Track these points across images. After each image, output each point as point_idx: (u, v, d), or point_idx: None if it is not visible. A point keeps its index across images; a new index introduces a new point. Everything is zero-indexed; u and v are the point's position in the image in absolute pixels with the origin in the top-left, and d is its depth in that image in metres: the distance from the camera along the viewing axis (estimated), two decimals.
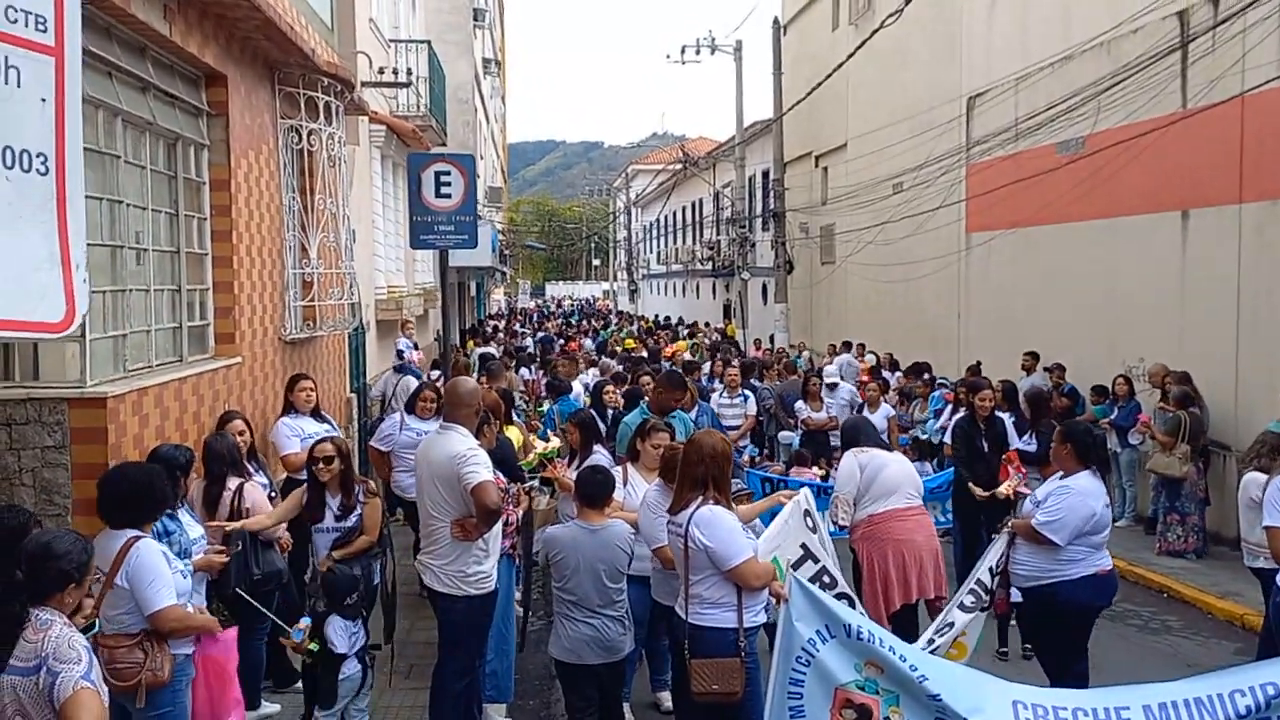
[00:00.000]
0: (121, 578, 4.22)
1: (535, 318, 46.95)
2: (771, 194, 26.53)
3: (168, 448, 5.53)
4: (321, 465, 6.15)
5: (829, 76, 19.82)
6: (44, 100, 2.90)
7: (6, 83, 2.72)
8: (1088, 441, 6.12)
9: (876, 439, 7.32)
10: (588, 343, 26.18)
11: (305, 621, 5.63)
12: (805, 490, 6.28)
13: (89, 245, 5.55)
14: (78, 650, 3.20)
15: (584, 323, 39.63)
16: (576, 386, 13.34)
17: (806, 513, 5.90)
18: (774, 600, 5.13)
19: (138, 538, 4.29)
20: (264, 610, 5.81)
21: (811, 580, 5.50)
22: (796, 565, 5.62)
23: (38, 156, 2.71)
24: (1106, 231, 13.84)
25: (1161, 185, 12.65)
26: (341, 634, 5.61)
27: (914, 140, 18.92)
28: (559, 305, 63.38)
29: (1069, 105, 14.19)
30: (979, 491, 8.43)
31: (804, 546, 5.72)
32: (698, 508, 4.97)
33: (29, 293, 2.63)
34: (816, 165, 25.92)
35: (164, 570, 4.31)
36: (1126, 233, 13.44)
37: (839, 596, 5.55)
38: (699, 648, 4.91)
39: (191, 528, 5.31)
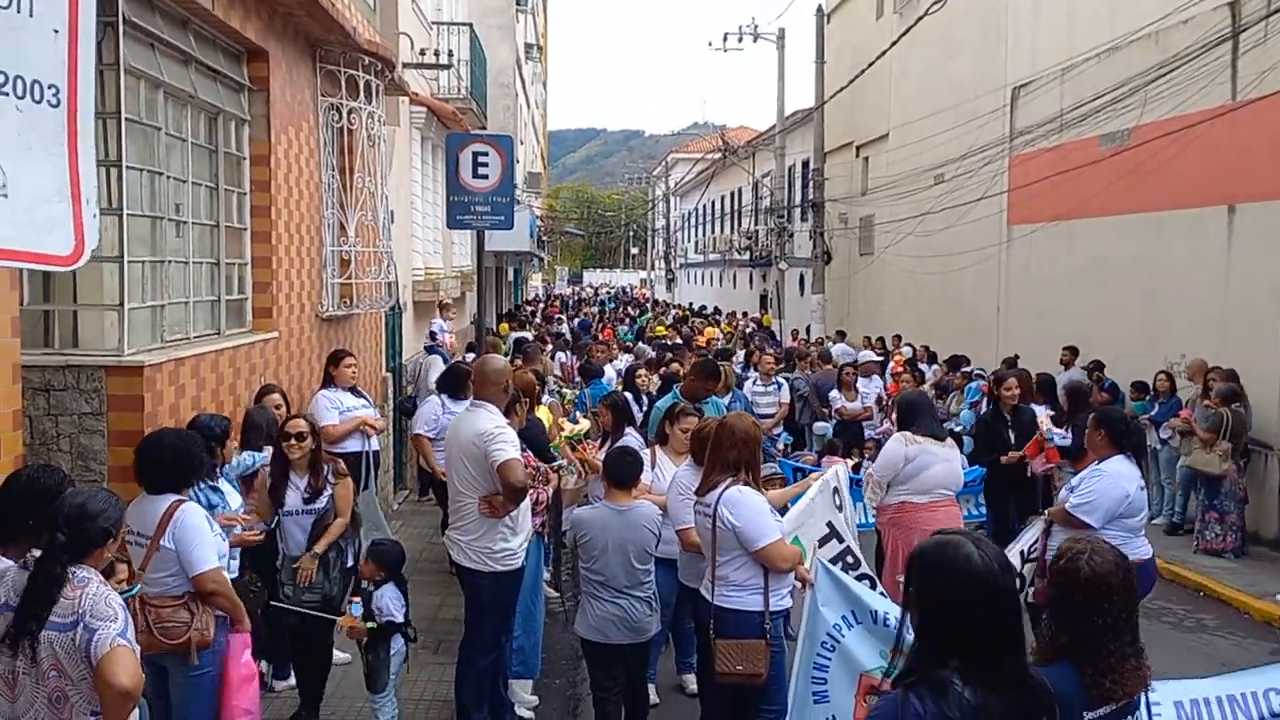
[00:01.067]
0: (168, 539, 4.27)
1: (571, 303, 47.02)
2: (811, 184, 26.36)
3: (205, 417, 5.58)
4: (294, 441, 5.75)
5: (872, 64, 19.67)
6: (56, 32, 2.85)
7: (18, 11, 2.71)
8: (1121, 427, 6.05)
9: (933, 424, 7.01)
10: (623, 329, 26.21)
11: (357, 598, 5.62)
12: (838, 467, 6.21)
13: (129, 215, 5.66)
14: (114, 608, 3.24)
15: (619, 310, 39.64)
16: (609, 371, 13.37)
17: (835, 490, 5.84)
18: (799, 585, 5.11)
19: (180, 501, 4.35)
20: (299, 609, 5.74)
21: (835, 560, 5.47)
22: (822, 542, 5.59)
23: (49, 88, 2.70)
24: (1151, 225, 13.62)
25: (1208, 178, 12.42)
26: (395, 603, 5.59)
27: (956, 130, 18.72)
28: (596, 292, 63.43)
29: (1115, 96, 13.97)
30: (1010, 455, 8.42)
31: (830, 525, 5.67)
32: (726, 488, 4.94)
33: (38, 225, 2.62)
34: (857, 155, 25.73)
35: (208, 532, 4.37)
36: (1171, 227, 13.22)
37: (860, 578, 5.52)
38: (724, 629, 4.89)
39: (232, 497, 5.37)
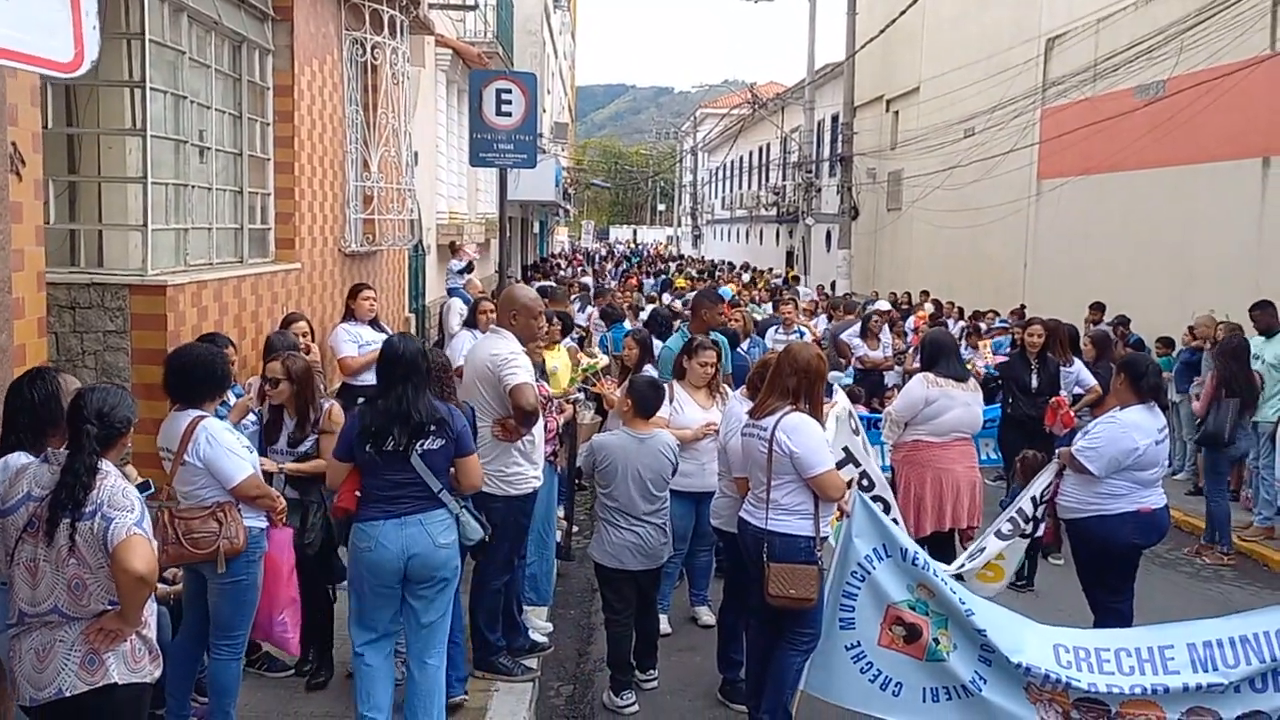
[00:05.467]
0: (192, 455, 4.32)
1: (597, 259, 46.87)
2: (840, 138, 26.12)
3: (210, 335, 5.58)
4: (267, 386, 5.37)
5: (903, 13, 19.40)
6: None
7: None
8: (1141, 371, 5.97)
9: (955, 365, 6.92)
10: (649, 282, 26.19)
11: None
12: (838, 398, 6.20)
13: (153, 136, 5.70)
14: (131, 500, 3.34)
15: (643, 266, 39.52)
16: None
17: (851, 413, 5.86)
18: (836, 513, 5.15)
19: (201, 417, 4.39)
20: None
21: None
22: (839, 466, 5.61)
23: None
24: (1183, 178, 13.44)
25: (1243, 130, 12.22)
26: None
27: (988, 82, 18.49)
28: (628, 247, 63.20)
29: (1150, 46, 13.73)
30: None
31: (846, 450, 5.69)
32: (786, 414, 4.95)
33: (37, 26, 2.60)
34: (887, 109, 25.47)
35: (235, 444, 4.44)
36: (1204, 180, 13.04)
37: (875, 499, 5.55)
38: (775, 552, 4.93)
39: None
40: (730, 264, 36.48)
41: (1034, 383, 8.71)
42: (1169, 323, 12.80)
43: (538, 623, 6.56)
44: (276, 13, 7.68)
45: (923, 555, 5.04)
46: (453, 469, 4.64)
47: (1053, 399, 8.42)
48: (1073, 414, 8.46)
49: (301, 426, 5.38)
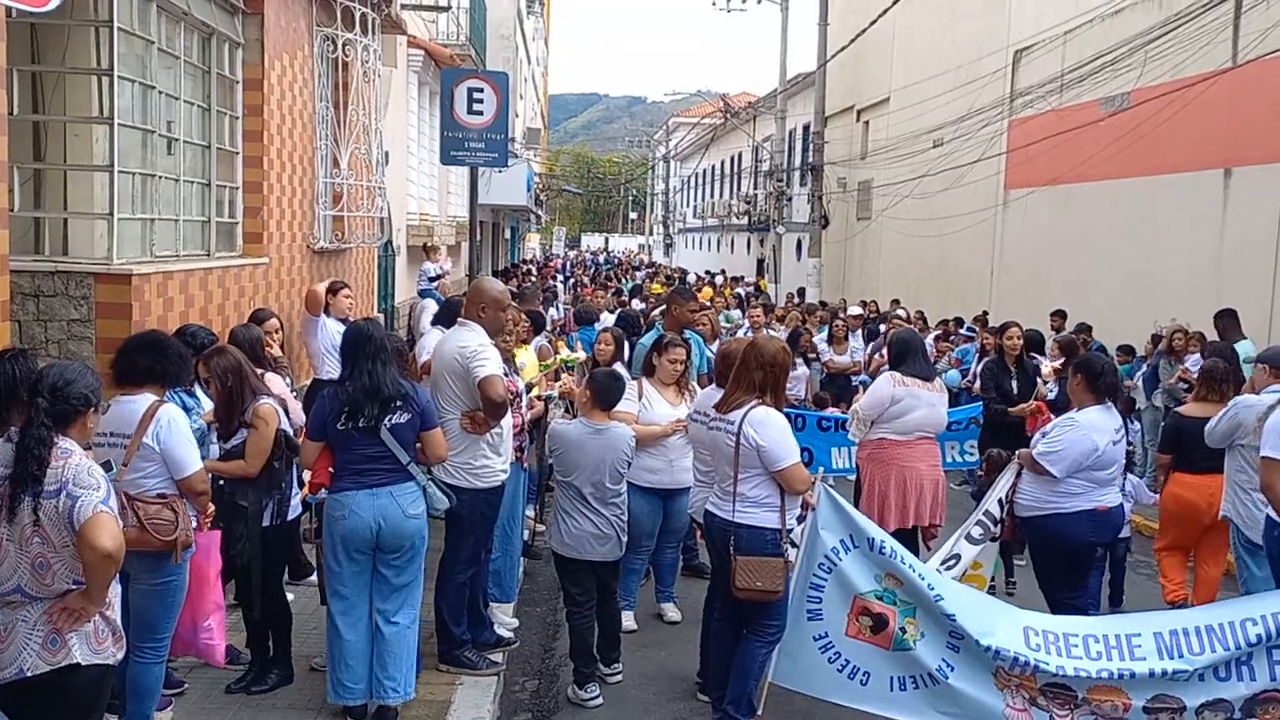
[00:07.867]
0: (151, 438, 4.23)
1: (569, 266, 46.83)
2: (811, 147, 26.29)
3: (195, 326, 5.57)
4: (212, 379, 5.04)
5: (874, 23, 19.59)
6: None
7: None
8: (1096, 370, 6.04)
9: (922, 364, 6.99)
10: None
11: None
12: None
13: (120, 125, 5.67)
14: (96, 478, 3.31)
15: (613, 273, 39.57)
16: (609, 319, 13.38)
17: None
18: (802, 508, 5.19)
19: (161, 401, 4.33)
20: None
21: None
22: None
23: None
24: (1146, 189, 13.64)
25: (1205, 142, 12.43)
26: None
27: (957, 93, 18.68)
28: (595, 256, 63.22)
29: (1115, 57, 13.94)
30: (1021, 407, 8.38)
31: None
32: (753, 408, 5.00)
33: None
34: (858, 119, 25.66)
35: (190, 433, 4.38)
36: (1166, 191, 13.23)
37: None
38: (742, 544, 4.97)
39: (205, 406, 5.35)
40: (694, 273, 36.62)
41: (1014, 387, 8.78)
42: (1131, 331, 12.99)
43: (503, 618, 6.54)
44: (247, 6, 7.66)
45: (890, 543, 5.09)
46: (419, 443, 4.92)
47: (1033, 404, 8.51)
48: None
49: (227, 423, 5.05)
